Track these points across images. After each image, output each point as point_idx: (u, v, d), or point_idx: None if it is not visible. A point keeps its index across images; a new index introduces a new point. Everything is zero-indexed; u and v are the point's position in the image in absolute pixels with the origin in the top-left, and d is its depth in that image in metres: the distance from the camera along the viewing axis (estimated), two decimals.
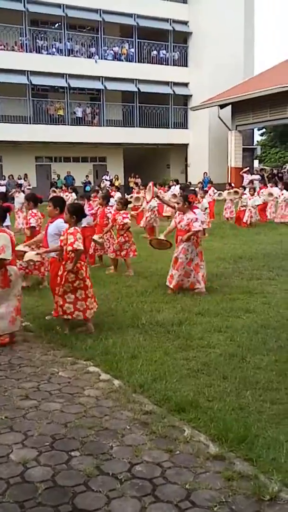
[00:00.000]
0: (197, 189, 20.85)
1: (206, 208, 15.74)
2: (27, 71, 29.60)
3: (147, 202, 13.07)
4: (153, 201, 14.92)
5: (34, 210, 8.42)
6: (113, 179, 32.00)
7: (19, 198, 16.96)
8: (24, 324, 6.28)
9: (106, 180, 31.37)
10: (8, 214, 6.25)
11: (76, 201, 12.38)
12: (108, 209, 10.40)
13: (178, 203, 8.04)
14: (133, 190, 18.48)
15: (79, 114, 32.47)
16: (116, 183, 30.02)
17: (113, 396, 4.25)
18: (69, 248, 5.75)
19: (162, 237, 8.53)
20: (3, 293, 5.57)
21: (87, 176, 32.71)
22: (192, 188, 19.00)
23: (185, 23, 34.49)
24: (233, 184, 19.99)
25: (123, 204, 9.71)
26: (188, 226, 7.77)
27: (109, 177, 32.64)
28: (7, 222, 7.62)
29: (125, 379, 4.55)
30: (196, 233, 7.82)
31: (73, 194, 18.62)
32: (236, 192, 17.76)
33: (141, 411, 3.95)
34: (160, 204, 18.93)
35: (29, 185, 29.51)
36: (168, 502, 2.87)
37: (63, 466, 3.24)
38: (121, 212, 9.45)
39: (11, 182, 29.23)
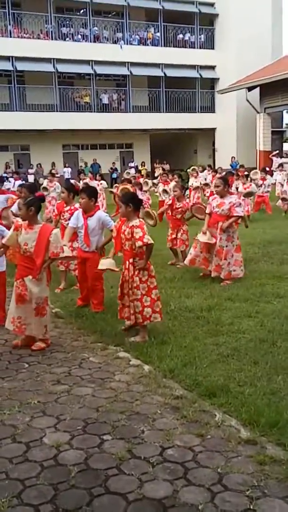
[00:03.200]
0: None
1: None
2: (53, 58, 29.64)
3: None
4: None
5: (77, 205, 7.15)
6: (140, 166, 31.92)
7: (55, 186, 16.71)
8: (54, 311, 6.36)
9: (131, 167, 31.31)
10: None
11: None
12: None
13: (218, 186, 7.46)
14: (160, 177, 18.27)
15: (105, 100, 32.40)
16: (143, 170, 29.96)
17: (144, 381, 4.27)
18: (139, 243, 5.06)
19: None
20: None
21: (113, 163, 32.71)
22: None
23: (211, 4, 33.88)
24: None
25: (181, 189, 9.26)
26: (230, 211, 7.29)
27: (135, 164, 32.56)
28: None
29: (155, 364, 4.57)
30: (238, 219, 7.49)
31: (103, 182, 18.54)
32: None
33: (172, 395, 3.96)
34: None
35: (57, 173, 29.70)
36: (200, 486, 2.88)
37: (96, 450, 3.28)
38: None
39: (39, 171, 29.50)
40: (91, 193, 6.19)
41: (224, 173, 16.57)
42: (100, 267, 5.77)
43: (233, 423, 3.53)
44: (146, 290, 5.21)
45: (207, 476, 2.96)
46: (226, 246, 7.35)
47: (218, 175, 14.55)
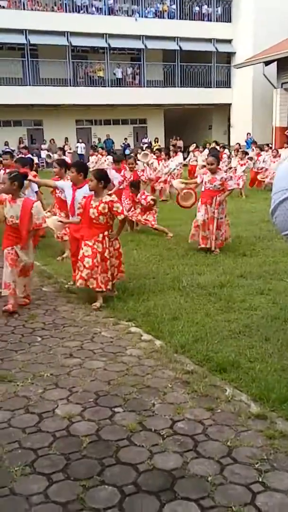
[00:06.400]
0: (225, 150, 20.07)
1: (231, 168, 15.50)
2: (67, 32, 29.19)
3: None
4: (172, 164, 14.69)
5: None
6: (153, 142, 31.59)
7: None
8: (67, 286, 6.40)
9: (145, 143, 31.01)
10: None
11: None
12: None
13: (212, 164, 7.97)
14: (172, 152, 18.10)
15: (119, 75, 31.94)
16: (156, 146, 29.66)
17: (155, 356, 4.31)
18: (121, 217, 5.71)
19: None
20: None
21: (125, 139, 32.41)
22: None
23: None
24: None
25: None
26: (222, 186, 7.90)
27: (148, 140, 32.24)
28: (35, 188, 7.93)
29: (167, 340, 4.60)
30: (231, 192, 8.15)
31: (109, 157, 18.48)
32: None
33: (183, 370, 3.99)
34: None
35: (70, 149, 29.57)
36: (209, 458, 2.92)
37: (107, 421, 3.33)
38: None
39: (52, 146, 29.37)
40: (80, 168, 6.38)
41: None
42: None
43: (243, 398, 3.56)
44: (116, 255, 5.86)
45: (216, 449, 3.00)
46: (221, 218, 7.96)
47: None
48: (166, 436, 3.14)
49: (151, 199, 9.52)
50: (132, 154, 18.08)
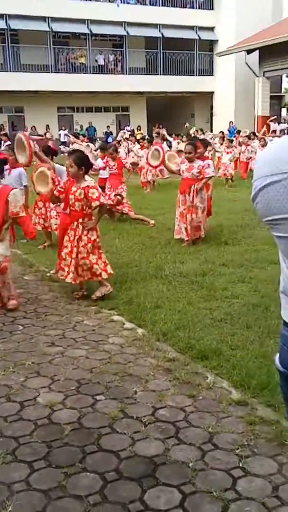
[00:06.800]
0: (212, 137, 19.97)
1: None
2: (48, 17, 28.77)
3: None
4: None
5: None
6: (136, 130, 31.41)
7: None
8: (49, 274, 6.36)
9: (127, 131, 30.81)
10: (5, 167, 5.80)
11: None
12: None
13: (190, 152, 7.78)
14: (155, 141, 17.99)
15: (101, 62, 31.63)
16: (138, 134, 29.49)
17: (137, 344, 4.32)
18: (96, 203, 5.34)
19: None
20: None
21: (108, 126, 32.19)
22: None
23: None
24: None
25: (115, 150, 10.20)
26: (200, 174, 7.75)
27: (131, 127, 32.05)
28: (24, 180, 7.83)
29: (149, 328, 4.61)
30: (209, 179, 7.99)
31: (91, 144, 18.33)
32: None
33: (165, 358, 4.01)
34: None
35: (52, 136, 29.24)
36: (191, 445, 2.95)
37: (89, 409, 3.34)
38: None
39: (34, 133, 29.01)
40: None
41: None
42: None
43: (225, 385, 3.59)
44: (92, 249, 5.43)
45: (198, 436, 3.03)
46: (200, 208, 7.84)
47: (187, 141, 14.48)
48: (147, 423, 3.16)
49: (115, 195, 9.49)
50: (114, 142, 17.95)
